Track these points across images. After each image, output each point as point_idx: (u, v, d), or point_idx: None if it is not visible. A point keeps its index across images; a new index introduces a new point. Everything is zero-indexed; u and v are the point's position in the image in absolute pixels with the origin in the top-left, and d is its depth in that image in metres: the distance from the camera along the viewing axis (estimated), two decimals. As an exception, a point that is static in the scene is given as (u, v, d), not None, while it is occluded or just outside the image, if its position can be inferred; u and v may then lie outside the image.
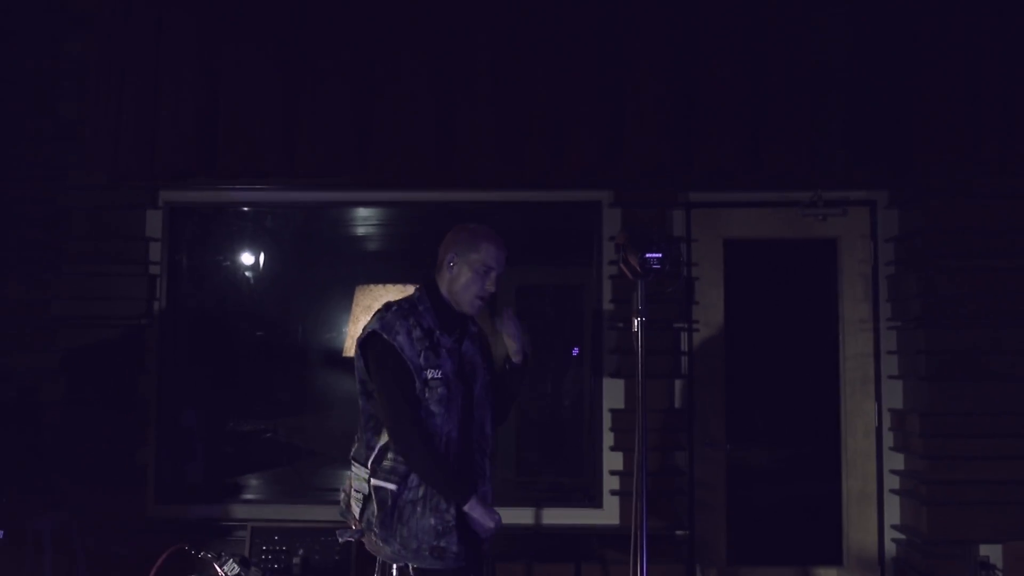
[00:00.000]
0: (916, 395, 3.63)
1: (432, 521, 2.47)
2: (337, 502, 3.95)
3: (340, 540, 2.67)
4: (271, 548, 3.54)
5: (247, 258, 4.30)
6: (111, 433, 3.71)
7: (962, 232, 3.61)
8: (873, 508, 3.80)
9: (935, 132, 3.48)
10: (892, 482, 3.78)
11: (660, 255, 1.77)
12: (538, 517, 3.78)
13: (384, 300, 3.08)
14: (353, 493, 2.60)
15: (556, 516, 3.78)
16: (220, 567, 1.77)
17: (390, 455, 2.50)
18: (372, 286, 3.14)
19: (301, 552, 3.49)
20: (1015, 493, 3.51)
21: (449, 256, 2.61)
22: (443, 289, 2.62)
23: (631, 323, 1.73)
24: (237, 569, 1.75)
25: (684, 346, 3.82)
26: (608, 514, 3.74)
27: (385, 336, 2.49)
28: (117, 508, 3.67)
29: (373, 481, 2.49)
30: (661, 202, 3.84)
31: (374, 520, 2.52)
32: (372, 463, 2.51)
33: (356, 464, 2.59)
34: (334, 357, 4.45)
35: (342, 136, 3.53)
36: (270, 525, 3.61)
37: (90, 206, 3.80)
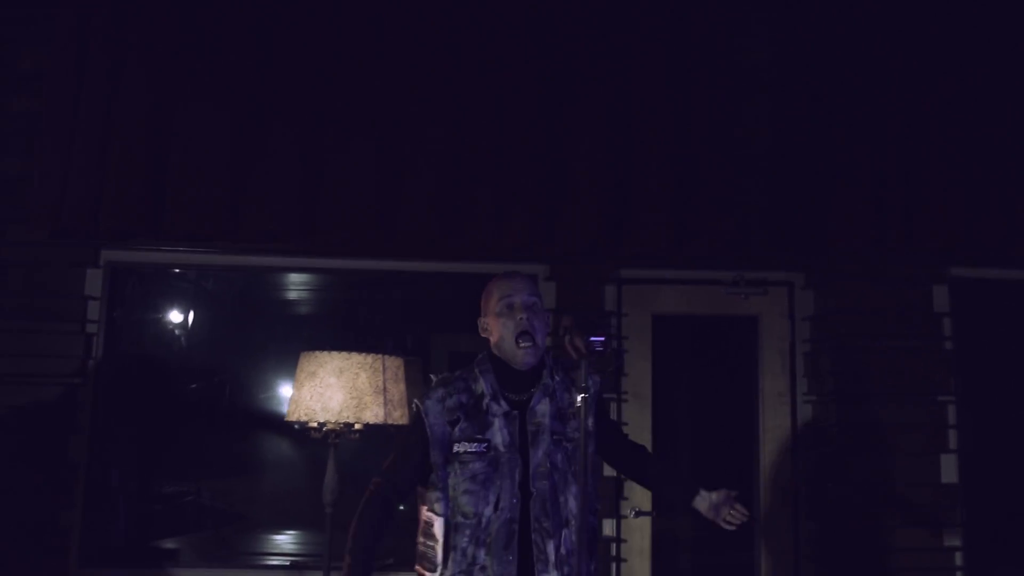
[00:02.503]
0: (830, 468, 3.84)
1: None
2: (263, 566, 3.97)
3: None
4: (199, 613, 3.51)
5: (185, 318, 4.31)
6: (37, 495, 3.63)
7: (871, 313, 3.87)
8: (790, 574, 3.97)
9: (845, 219, 3.75)
10: (808, 550, 3.96)
11: (603, 339, 1.95)
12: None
13: (328, 367, 3.17)
14: None
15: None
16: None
17: (420, 538, 2.40)
18: (317, 353, 3.21)
19: (231, 618, 3.47)
20: (921, 564, 3.72)
21: (480, 323, 2.52)
22: (496, 352, 2.46)
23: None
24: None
25: (614, 415, 3.97)
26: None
27: (415, 402, 2.41)
28: (39, 573, 3.58)
29: (416, 566, 2.40)
30: (594, 277, 4.03)
31: None
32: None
33: None
34: (267, 420, 4.47)
35: (288, 205, 3.63)
36: (199, 589, 3.57)
37: (29, 262, 3.78)
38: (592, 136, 3.75)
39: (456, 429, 2.32)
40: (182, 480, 4.77)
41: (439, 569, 2.31)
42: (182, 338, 4.56)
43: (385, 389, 3.14)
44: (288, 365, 4.45)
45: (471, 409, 2.34)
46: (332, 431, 3.17)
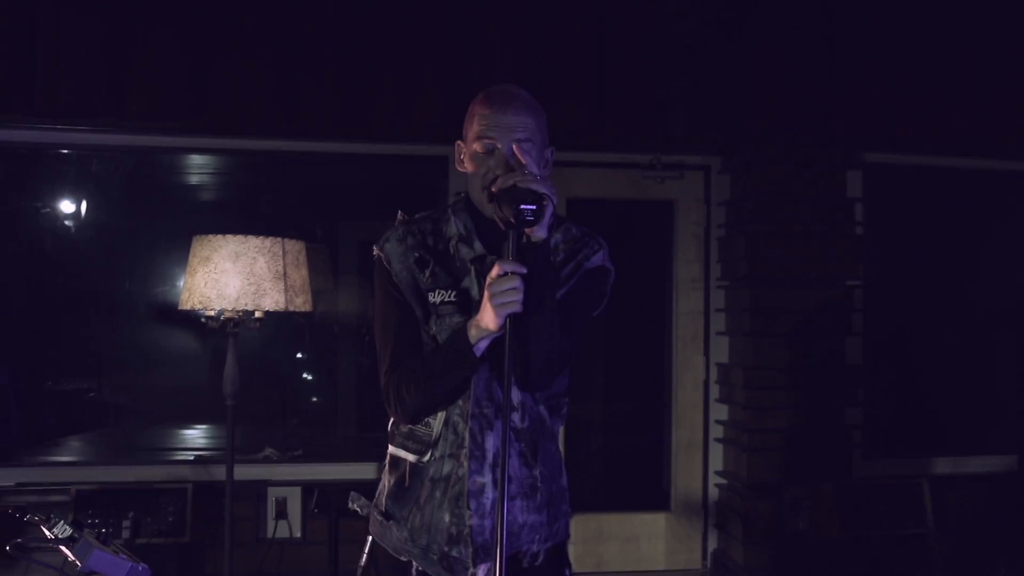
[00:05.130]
0: (741, 350, 3.88)
1: (447, 517, 1.80)
2: (166, 462, 3.83)
3: (351, 507, 2.39)
4: (97, 511, 3.36)
5: (70, 205, 3.99)
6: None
7: (784, 198, 3.84)
8: (699, 456, 4.04)
9: (763, 102, 3.72)
10: (717, 431, 4.03)
11: (534, 207, 1.58)
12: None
13: (223, 251, 2.96)
14: None
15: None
16: (49, 530, 1.63)
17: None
18: (211, 236, 2.99)
19: (131, 514, 3.34)
20: (823, 440, 3.83)
21: (457, 149, 1.91)
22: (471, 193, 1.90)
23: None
24: (69, 531, 1.61)
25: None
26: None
27: (375, 248, 1.87)
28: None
29: (390, 448, 1.91)
30: (508, 160, 3.86)
31: (384, 495, 1.91)
32: (391, 425, 1.91)
33: None
34: (165, 311, 4.23)
35: (175, 81, 3.36)
36: (95, 488, 3.42)
37: None
38: (506, 12, 3.54)
39: (426, 274, 1.83)
40: (82, 377, 4.54)
41: (429, 451, 1.82)
42: (69, 226, 4.24)
43: (286, 274, 2.96)
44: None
45: (440, 252, 1.85)
46: (230, 319, 2.99)
